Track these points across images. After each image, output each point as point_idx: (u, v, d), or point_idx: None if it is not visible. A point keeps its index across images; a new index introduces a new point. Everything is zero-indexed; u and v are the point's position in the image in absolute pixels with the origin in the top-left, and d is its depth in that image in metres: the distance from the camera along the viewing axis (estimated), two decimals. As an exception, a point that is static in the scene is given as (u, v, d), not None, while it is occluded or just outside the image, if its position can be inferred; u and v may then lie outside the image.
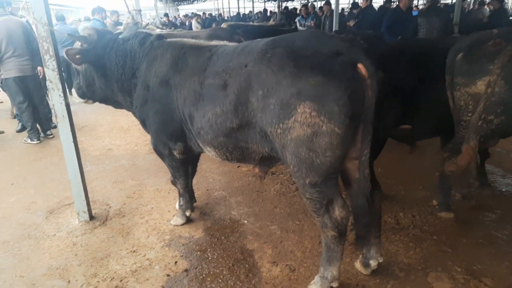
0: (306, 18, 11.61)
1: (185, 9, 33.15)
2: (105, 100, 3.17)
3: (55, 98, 2.93)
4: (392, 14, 6.97)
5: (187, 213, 3.17)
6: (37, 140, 5.53)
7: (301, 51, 1.98)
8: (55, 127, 5.86)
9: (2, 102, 8.24)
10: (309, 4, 15.89)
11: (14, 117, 6.57)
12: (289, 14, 15.21)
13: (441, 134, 3.11)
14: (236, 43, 2.54)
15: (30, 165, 4.74)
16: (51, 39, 2.79)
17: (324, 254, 2.25)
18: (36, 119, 5.65)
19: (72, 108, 3.07)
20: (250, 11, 22.53)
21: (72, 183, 3.19)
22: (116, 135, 5.88)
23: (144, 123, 2.88)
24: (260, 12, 21.47)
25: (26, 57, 5.26)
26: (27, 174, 4.42)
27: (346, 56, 1.91)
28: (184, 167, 3.01)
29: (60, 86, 2.90)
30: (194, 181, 3.48)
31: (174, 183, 3.11)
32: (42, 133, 5.75)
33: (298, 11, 16.69)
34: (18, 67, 5.23)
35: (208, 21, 18.08)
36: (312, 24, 10.80)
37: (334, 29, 8.53)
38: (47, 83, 2.89)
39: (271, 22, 13.59)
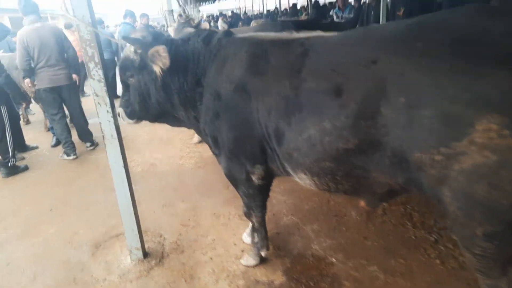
0: (343, 10, 10.81)
1: (206, 10, 32.76)
2: (160, 117, 2.56)
3: (102, 114, 2.39)
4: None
5: (263, 253, 2.57)
6: (74, 155, 5.10)
7: (473, 36, 1.33)
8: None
9: (34, 114, 7.95)
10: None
11: (48, 130, 6.21)
12: (319, 8, 14.41)
13: None
14: (340, 33, 1.91)
15: (69, 185, 4.29)
16: (96, 43, 2.25)
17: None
18: (72, 130, 5.26)
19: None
20: (276, 8, 21.82)
21: (122, 215, 2.68)
22: (157, 147, 5.38)
23: (216, 142, 2.26)
24: (286, 8, 20.74)
25: (59, 66, 4.84)
26: (66, 197, 3.96)
27: None
28: (262, 195, 2.40)
29: (107, 100, 2.36)
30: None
31: (248, 215, 2.51)
32: (87, 144, 5.41)
33: (329, 4, 15.89)
34: (51, 77, 4.82)
35: (233, 20, 17.54)
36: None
37: (381, 21, 7.68)
38: (93, 97, 2.36)
39: (303, 17, 12.86)
